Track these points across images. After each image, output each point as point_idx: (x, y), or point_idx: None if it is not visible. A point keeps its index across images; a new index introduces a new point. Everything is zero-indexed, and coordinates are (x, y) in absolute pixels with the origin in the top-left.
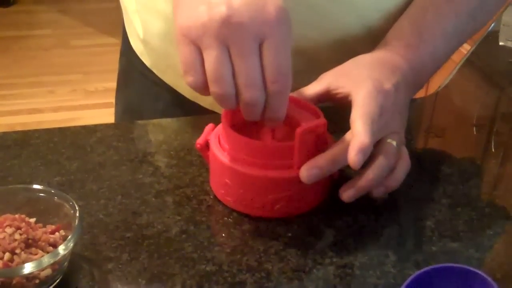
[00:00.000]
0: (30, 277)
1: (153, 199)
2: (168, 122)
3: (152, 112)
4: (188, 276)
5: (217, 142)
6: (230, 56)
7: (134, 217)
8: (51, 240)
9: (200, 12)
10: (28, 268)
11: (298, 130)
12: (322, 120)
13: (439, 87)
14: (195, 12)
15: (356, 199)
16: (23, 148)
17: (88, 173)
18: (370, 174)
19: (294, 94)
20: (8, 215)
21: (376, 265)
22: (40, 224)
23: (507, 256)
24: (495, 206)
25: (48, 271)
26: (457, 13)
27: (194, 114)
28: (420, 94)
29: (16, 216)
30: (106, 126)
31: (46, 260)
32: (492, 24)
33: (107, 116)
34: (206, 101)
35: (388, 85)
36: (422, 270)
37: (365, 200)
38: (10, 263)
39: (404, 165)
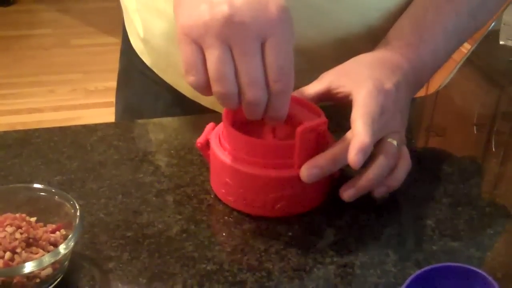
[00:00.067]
0: (30, 276)
1: (154, 198)
2: (168, 121)
3: (153, 111)
4: (188, 275)
5: (218, 141)
6: (232, 56)
7: (134, 216)
8: (52, 239)
9: (202, 11)
10: (29, 267)
11: (299, 129)
12: (323, 119)
13: (440, 86)
14: (196, 11)
15: (357, 198)
16: (23, 147)
17: (88, 172)
18: (371, 174)
19: (294, 93)
20: (9, 214)
21: (377, 264)
22: (41, 223)
23: (508, 255)
24: (496, 205)
25: (48, 270)
26: (457, 12)
27: (195, 113)
28: (421, 93)
29: (17, 215)
30: (107, 125)
31: (47, 259)
32: (493, 23)
33: (107, 115)
34: (206, 100)
35: (388, 85)
36: (422, 270)
37: (366, 200)
38: (10, 262)
39: (405, 165)
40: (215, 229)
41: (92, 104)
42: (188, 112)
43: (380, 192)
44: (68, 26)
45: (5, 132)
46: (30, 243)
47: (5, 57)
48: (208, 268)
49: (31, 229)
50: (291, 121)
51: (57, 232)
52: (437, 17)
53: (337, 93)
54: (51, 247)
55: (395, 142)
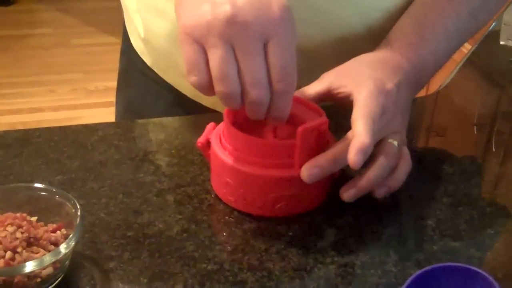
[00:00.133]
0: (31, 276)
1: (154, 198)
2: (169, 121)
3: (153, 111)
4: (189, 275)
5: (218, 141)
6: (235, 55)
7: (135, 216)
8: (53, 238)
9: (204, 11)
10: (30, 266)
11: (300, 129)
12: (324, 119)
13: (440, 86)
14: (198, 11)
15: (357, 198)
16: (24, 146)
17: (89, 172)
18: (371, 174)
19: (295, 93)
20: (10, 214)
21: (378, 264)
22: (42, 223)
23: (508, 255)
24: (496, 205)
25: (49, 270)
26: (458, 12)
27: (195, 113)
28: (421, 93)
29: (18, 214)
30: (107, 125)
31: (48, 258)
32: (493, 24)
33: (107, 115)
34: (207, 100)
35: (389, 85)
36: (423, 270)
37: (366, 200)
38: (11, 262)
39: (405, 165)
40: (215, 229)
41: (93, 103)
42: (188, 112)
43: (381, 193)
44: (69, 25)
45: (6, 132)
46: (31, 243)
47: (5, 57)
48: (209, 267)
49: (32, 229)
50: (292, 121)
51: (58, 232)
52: (438, 17)
53: (338, 93)
54: (52, 247)
55: (395, 143)
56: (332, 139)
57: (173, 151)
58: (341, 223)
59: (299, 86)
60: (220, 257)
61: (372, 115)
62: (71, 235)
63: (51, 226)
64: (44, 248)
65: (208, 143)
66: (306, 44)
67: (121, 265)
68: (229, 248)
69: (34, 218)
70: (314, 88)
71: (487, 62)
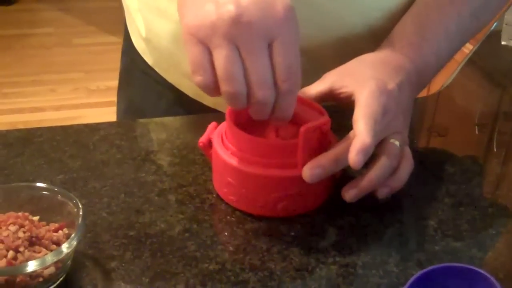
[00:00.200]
0: (33, 275)
1: (156, 197)
2: (170, 120)
3: (154, 110)
4: (191, 274)
5: (220, 140)
6: (240, 55)
7: (137, 216)
8: (55, 238)
9: (208, 11)
10: (32, 266)
11: (302, 129)
12: (326, 118)
13: (442, 86)
14: (202, 11)
15: (359, 198)
16: (26, 146)
17: (91, 171)
18: (373, 174)
19: None
20: (12, 213)
21: (379, 265)
22: (44, 222)
23: (510, 256)
24: (498, 205)
25: (51, 269)
26: (460, 13)
27: (197, 112)
28: (422, 93)
29: (20, 214)
30: (109, 124)
31: (50, 258)
32: (495, 24)
33: (109, 114)
34: (208, 100)
35: (391, 85)
36: (425, 270)
37: (368, 200)
38: (13, 261)
39: (407, 165)
40: (217, 229)
41: (94, 103)
42: (190, 111)
43: (383, 193)
44: (70, 25)
45: (8, 131)
46: (33, 242)
47: (6, 56)
48: (211, 267)
49: (34, 228)
50: (294, 121)
51: (60, 231)
52: (440, 17)
53: (340, 93)
54: (54, 246)
55: (397, 143)
56: (334, 139)
57: (174, 150)
58: (342, 223)
59: (301, 86)
60: (221, 257)
61: (374, 115)
62: (73, 235)
63: (53, 226)
64: (46, 248)
65: (209, 143)
66: (307, 44)
67: (123, 264)
68: (230, 248)
69: (36, 218)
70: (316, 88)
71: (488, 62)
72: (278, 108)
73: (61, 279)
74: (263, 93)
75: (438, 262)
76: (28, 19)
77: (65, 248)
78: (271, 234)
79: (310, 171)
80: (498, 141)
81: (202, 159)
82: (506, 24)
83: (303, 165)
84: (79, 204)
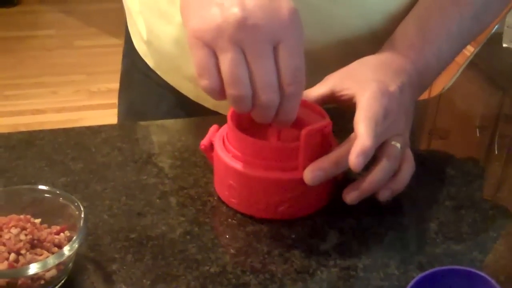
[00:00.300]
0: (35, 278)
1: (157, 200)
2: (171, 123)
3: (156, 113)
4: (192, 277)
5: (222, 143)
6: (245, 58)
7: (138, 218)
8: (56, 240)
9: (213, 14)
10: (33, 268)
11: (304, 131)
12: (327, 121)
13: (443, 89)
14: (207, 15)
15: (360, 201)
16: (27, 148)
17: (92, 174)
18: (374, 177)
19: None
20: (14, 216)
21: (380, 267)
22: (45, 225)
23: (511, 258)
24: (499, 208)
25: (53, 272)
26: (461, 15)
27: (198, 115)
28: (424, 96)
29: (21, 216)
30: (111, 127)
31: (51, 261)
32: (496, 26)
33: (110, 117)
34: (209, 102)
35: (393, 87)
36: (425, 272)
37: (369, 202)
38: (15, 264)
39: (408, 168)
40: (218, 231)
41: (95, 105)
42: (191, 114)
43: (384, 195)
44: (71, 27)
45: (10, 133)
46: (35, 245)
47: (8, 58)
48: (212, 270)
49: (36, 231)
50: (295, 123)
51: (62, 234)
52: (441, 19)
53: (341, 95)
54: (56, 249)
55: (398, 145)
56: (335, 141)
57: (176, 153)
58: (343, 226)
59: None
60: (222, 259)
61: (375, 117)
62: (74, 237)
63: (55, 228)
64: (47, 250)
65: (211, 146)
66: (310, 47)
67: (124, 267)
68: (231, 251)
69: (38, 220)
70: (317, 91)
71: (489, 65)
72: (282, 111)
73: (62, 281)
74: (267, 96)
75: (439, 265)
76: (30, 21)
77: (66, 250)
78: (272, 237)
79: (311, 173)
80: (499, 143)
81: (204, 161)
82: (507, 27)
83: (305, 167)
84: (81, 206)
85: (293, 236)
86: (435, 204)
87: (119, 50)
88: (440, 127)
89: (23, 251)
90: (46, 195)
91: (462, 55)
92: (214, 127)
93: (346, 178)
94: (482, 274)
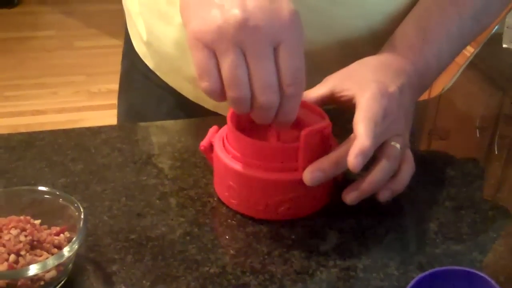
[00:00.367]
0: (35, 279)
1: (157, 201)
2: (171, 124)
3: (155, 114)
4: (192, 278)
5: (221, 144)
6: (245, 59)
7: (138, 219)
8: (56, 241)
9: (214, 15)
10: (33, 269)
11: (304, 132)
12: (327, 122)
13: (443, 89)
14: (208, 16)
15: (360, 201)
16: (27, 149)
17: (92, 175)
18: (373, 177)
19: None
20: (13, 217)
21: (380, 268)
22: (45, 226)
23: (511, 259)
24: (499, 208)
25: (53, 273)
26: (461, 15)
27: (197, 116)
28: (424, 96)
29: (21, 217)
30: (111, 127)
31: (51, 261)
32: (496, 27)
33: (110, 117)
34: (209, 103)
35: (392, 88)
36: (425, 273)
37: (369, 203)
38: (15, 265)
39: (408, 168)
40: (218, 232)
41: (95, 106)
42: (191, 114)
43: (384, 196)
44: (72, 28)
45: (10, 134)
46: (35, 246)
47: (8, 59)
48: (211, 271)
49: (36, 232)
50: (295, 124)
51: (61, 235)
52: (441, 19)
53: (341, 96)
54: (55, 250)
55: (398, 146)
56: (335, 142)
57: (176, 154)
58: (343, 227)
59: None
60: (222, 260)
61: (374, 118)
62: (74, 238)
63: (55, 229)
64: (47, 251)
65: (211, 147)
66: (309, 48)
67: (124, 268)
68: (231, 251)
69: (37, 221)
70: (317, 92)
71: (489, 65)
72: (282, 112)
73: (62, 282)
74: (267, 97)
75: (438, 265)
76: (30, 22)
77: (66, 251)
78: (272, 237)
79: (310, 174)
80: (499, 144)
81: (203, 162)
82: (507, 27)
83: (304, 168)
84: (81, 207)
85: (293, 236)
86: (435, 205)
87: (119, 51)
88: (440, 127)
89: (22, 252)
90: (46, 196)
91: (462, 55)
92: (213, 128)
93: (345, 178)
94: (482, 274)
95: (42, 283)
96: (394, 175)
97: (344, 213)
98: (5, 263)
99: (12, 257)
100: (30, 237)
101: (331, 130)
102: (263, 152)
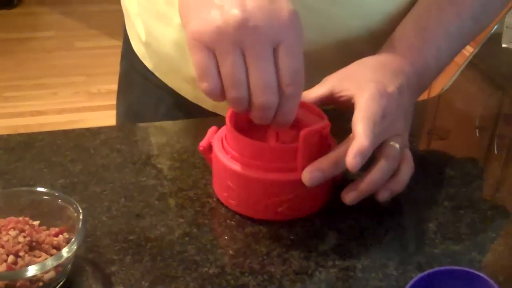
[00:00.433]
0: (33, 280)
1: (156, 201)
2: (170, 124)
3: (154, 114)
4: (191, 278)
5: (220, 144)
6: (244, 60)
7: (137, 220)
8: (55, 242)
9: (213, 16)
10: (32, 270)
11: (303, 132)
12: (326, 122)
13: (442, 89)
14: (207, 17)
15: (359, 201)
16: (26, 150)
17: (91, 176)
18: (372, 177)
19: None
20: (12, 218)
21: (379, 268)
22: (44, 227)
23: (510, 259)
24: (498, 208)
25: (51, 274)
26: (460, 15)
27: (196, 116)
28: (423, 96)
29: (20, 218)
30: (110, 128)
31: (50, 262)
32: (495, 26)
33: (110, 118)
34: (208, 103)
35: (391, 88)
36: (424, 273)
37: (368, 203)
38: (14, 266)
39: (408, 168)
40: (217, 233)
41: (95, 106)
42: (190, 115)
43: (383, 196)
44: (71, 28)
45: (9, 135)
46: (33, 247)
47: (8, 60)
48: (210, 271)
49: (34, 233)
50: (294, 125)
51: (60, 236)
52: (440, 19)
53: (340, 96)
54: (54, 251)
55: (397, 145)
56: (334, 142)
57: (175, 154)
58: (342, 227)
59: None
60: (221, 260)
61: (373, 117)
62: (73, 239)
63: (54, 230)
64: (46, 252)
65: (210, 147)
66: (308, 48)
67: (123, 268)
68: (230, 252)
69: (36, 222)
70: (316, 92)
71: (489, 65)
72: (281, 112)
73: (61, 283)
74: (266, 98)
75: (437, 265)
76: (30, 23)
77: (65, 252)
78: (271, 238)
79: (309, 174)
80: (498, 144)
81: (202, 163)
82: (506, 27)
83: (303, 168)
84: (79, 208)
85: (292, 237)
86: (434, 205)
87: (119, 52)
88: (440, 127)
89: (21, 253)
90: (44, 197)
91: (461, 55)
92: (212, 128)
93: (345, 178)
94: (481, 274)
95: (41, 284)
96: (393, 175)
97: (343, 213)
98: (4, 264)
99: (11, 258)
100: (29, 238)
101: (330, 130)
102: (262, 152)
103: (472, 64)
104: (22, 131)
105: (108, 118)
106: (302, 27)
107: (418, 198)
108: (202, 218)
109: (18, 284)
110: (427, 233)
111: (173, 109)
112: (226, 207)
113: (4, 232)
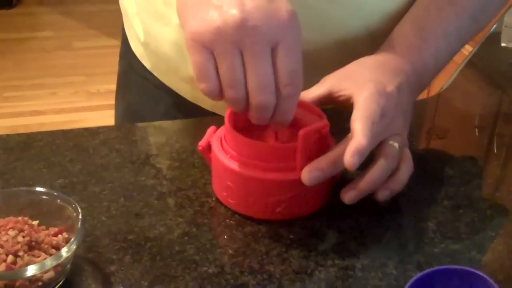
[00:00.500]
0: (33, 280)
1: (155, 201)
2: (169, 124)
3: (153, 114)
4: (190, 278)
5: (219, 144)
6: (242, 60)
7: (136, 219)
8: (54, 242)
9: (212, 16)
10: (31, 270)
11: (301, 132)
12: (325, 122)
13: (441, 88)
14: (206, 17)
15: (358, 201)
16: (25, 150)
17: (90, 175)
18: (371, 176)
19: None
20: (11, 218)
21: (378, 267)
22: (43, 227)
23: (509, 258)
24: (497, 207)
25: (51, 274)
26: (459, 14)
27: (195, 116)
28: (422, 95)
29: (19, 218)
30: (109, 128)
31: (49, 262)
32: (494, 26)
33: (109, 117)
34: (206, 103)
35: (390, 87)
36: (424, 272)
37: (367, 202)
38: (13, 266)
39: (407, 168)
40: (216, 232)
41: (94, 106)
42: (188, 115)
43: (383, 195)
44: (70, 28)
45: (8, 135)
46: (32, 246)
47: (7, 60)
48: (210, 271)
49: (33, 232)
50: (293, 124)
51: (59, 235)
52: (439, 19)
53: (339, 96)
54: (53, 250)
55: (396, 145)
56: (333, 142)
57: (174, 154)
58: (341, 226)
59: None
60: (221, 260)
61: (371, 116)
62: (72, 239)
63: (53, 230)
64: (45, 252)
65: (209, 147)
66: (307, 48)
67: (122, 268)
68: (230, 251)
69: (35, 222)
70: (315, 92)
71: (488, 64)
72: (279, 112)
73: (60, 283)
74: (264, 97)
75: (437, 264)
76: (29, 23)
77: (64, 252)
78: (270, 237)
79: (308, 174)
80: (497, 143)
81: (202, 162)
82: (505, 26)
83: (302, 168)
84: (79, 208)
85: (291, 236)
86: (434, 204)
87: (118, 52)
88: (439, 126)
89: (20, 253)
90: (43, 196)
91: (461, 54)
92: (211, 128)
93: (344, 178)
94: (480, 273)
95: (40, 283)
96: (392, 174)
97: (343, 213)
98: (3, 264)
99: (10, 258)
100: (28, 238)
101: (329, 129)
102: (261, 152)
103: (471, 63)
104: (21, 131)
105: (107, 118)
106: (300, 27)
107: (417, 197)
108: (201, 218)
109: (17, 284)
110: (426, 232)
111: (172, 108)
112: (225, 207)
113: (3, 232)
